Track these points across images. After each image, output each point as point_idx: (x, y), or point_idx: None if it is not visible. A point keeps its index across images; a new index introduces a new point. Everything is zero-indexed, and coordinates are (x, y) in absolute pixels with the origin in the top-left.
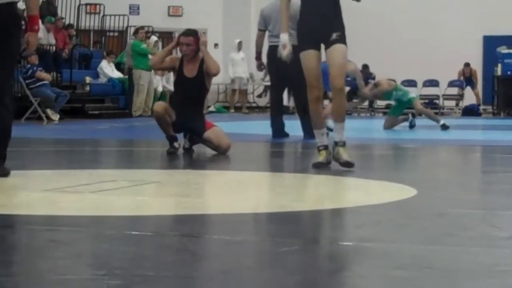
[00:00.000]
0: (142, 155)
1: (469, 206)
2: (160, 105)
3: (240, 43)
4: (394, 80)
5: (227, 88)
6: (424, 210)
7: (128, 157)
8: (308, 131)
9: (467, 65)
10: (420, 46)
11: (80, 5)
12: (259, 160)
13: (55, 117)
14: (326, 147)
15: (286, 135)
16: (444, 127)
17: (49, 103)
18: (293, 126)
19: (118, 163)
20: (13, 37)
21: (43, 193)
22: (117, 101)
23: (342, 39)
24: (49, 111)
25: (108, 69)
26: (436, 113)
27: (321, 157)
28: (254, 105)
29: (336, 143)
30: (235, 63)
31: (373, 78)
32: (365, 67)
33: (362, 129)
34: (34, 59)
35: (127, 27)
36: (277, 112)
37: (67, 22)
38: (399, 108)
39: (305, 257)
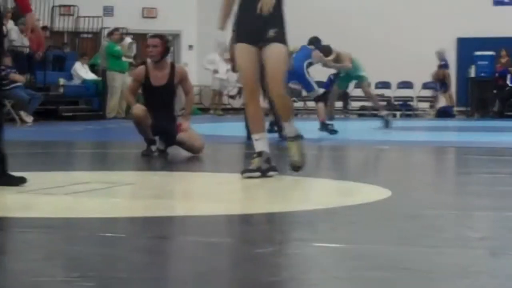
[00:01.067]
0: (116, 157)
1: (443, 207)
2: (140, 108)
3: (222, 45)
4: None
5: (201, 90)
6: (398, 211)
7: (102, 159)
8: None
9: (440, 67)
10: (393, 48)
11: (54, 7)
12: (233, 161)
13: (29, 119)
14: (259, 155)
15: None
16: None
17: (23, 105)
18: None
19: (92, 165)
20: None
21: (17, 194)
22: (91, 103)
23: (279, 38)
24: (22, 113)
25: (82, 71)
26: (410, 115)
27: (252, 165)
28: (228, 106)
29: (286, 138)
30: (216, 64)
31: None
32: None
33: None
34: (8, 60)
35: (101, 29)
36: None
37: (41, 24)
38: (345, 81)
39: (279, 259)
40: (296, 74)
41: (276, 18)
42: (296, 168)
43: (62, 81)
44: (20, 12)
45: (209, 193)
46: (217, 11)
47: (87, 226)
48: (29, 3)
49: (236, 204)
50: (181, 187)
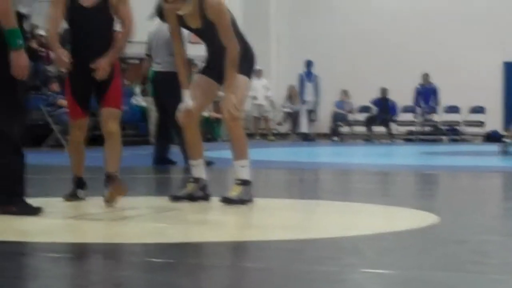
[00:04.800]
0: (161, 182)
1: (491, 232)
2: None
3: (259, 71)
4: None
5: (246, 115)
6: (446, 236)
7: (148, 184)
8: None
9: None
10: (439, 72)
11: None
12: (281, 186)
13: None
14: (196, 181)
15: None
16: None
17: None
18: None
19: (139, 190)
20: None
21: (64, 220)
22: (138, 128)
23: (241, 69)
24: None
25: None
26: (456, 140)
27: (183, 190)
28: (274, 131)
29: (234, 181)
30: (255, 91)
31: (393, 106)
32: (384, 91)
33: (382, 155)
34: (55, 86)
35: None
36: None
37: None
38: None
39: (327, 285)
40: None
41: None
42: (228, 200)
43: None
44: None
45: (259, 219)
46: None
47: (135, 252)
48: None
49: (285, 231)
50: (229, 212)
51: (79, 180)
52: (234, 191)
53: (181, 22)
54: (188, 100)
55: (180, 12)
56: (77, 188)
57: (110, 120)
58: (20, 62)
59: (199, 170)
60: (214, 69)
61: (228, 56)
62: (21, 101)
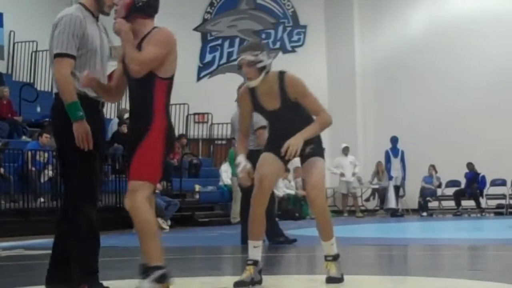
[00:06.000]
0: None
1: None
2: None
3: (346, 148)
4: None
5: (334, 192)
6: None
7: (240, 263)
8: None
9: None
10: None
11: (188, 115)
12: (370, 263)
13: (166, 225)
14: (255, 263)
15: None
16: None
17: (160, 212)
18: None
19: (230, 270)
20: (54, 132)
21: None
22: (226, 208)
23: (316, 153)
24: (160, 219)
25: (224, 175)
26: (501, 213)
27: (244, 274)
28: (362, 208)
29: (324, 257)
30: (342, 168)
31: (483, 179)
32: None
33: (472, 229)
34: None
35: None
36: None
37: (177, 132)
38: None
39: None
40: None
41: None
42: (334, 280)
43: (197, 187)
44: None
45: None
46: (349, 114)
47: None
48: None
49: None
50: None
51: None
52: (332, 269)
53: (255, 104)
54: (243, 161)
55: (252, 84)
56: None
57: (127, 196)
58: (81, 132)
59: (258, 252)
60: (280, 147)
61: (319, 119)
62: (93, 175)
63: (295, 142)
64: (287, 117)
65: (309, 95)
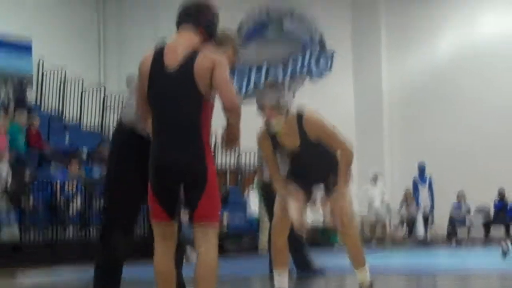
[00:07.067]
0: None
1: None
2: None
3: (376, 176)
4: None
5: (363, 219)
6: None
7: None
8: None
9: None
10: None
11: (216, 143)
12: None
13: (194, 255)
14: None
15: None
16: None
17: (189, 241)
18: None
19: None
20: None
21: None
22: (255, 238)
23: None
24: (188, 248)
25: (253, 202)
26: None
27: None
28: (390, 236)
29: (359, 286)
30: (372, 196)
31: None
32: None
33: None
34: None
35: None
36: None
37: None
38: None
39: None
40: None
41: (330, 166)
42: None
43: (226, 216)
44: None
45: None
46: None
47: None
48: None
49: None
50: None
51: None
52: None
53: (275, 144)
54: (292, 205)
55: (275, 128)
56: None
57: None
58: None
59: (284, 279)
60: (303, 180)
61: (344, 160)
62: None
63: (343, 204)
64: (308, 154)
65: (329, 132)
